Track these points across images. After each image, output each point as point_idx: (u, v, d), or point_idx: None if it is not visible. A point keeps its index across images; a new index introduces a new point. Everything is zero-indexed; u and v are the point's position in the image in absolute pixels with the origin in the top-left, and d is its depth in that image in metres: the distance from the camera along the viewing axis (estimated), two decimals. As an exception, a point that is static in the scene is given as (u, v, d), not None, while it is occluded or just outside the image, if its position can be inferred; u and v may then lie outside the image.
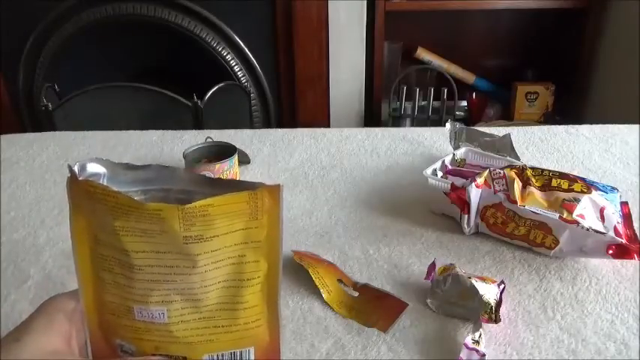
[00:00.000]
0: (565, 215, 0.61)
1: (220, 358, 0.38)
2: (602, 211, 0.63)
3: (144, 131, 1.04)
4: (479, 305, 0.53)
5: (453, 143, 0.89)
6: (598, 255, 0.61)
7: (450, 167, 0.79)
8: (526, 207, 0.63)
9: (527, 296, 0.58)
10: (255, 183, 0.35)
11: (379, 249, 0.67)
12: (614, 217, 0.63)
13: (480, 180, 0.67)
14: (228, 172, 0.79)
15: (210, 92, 1.58)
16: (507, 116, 2.07)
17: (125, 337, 0.37)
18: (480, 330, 0.50)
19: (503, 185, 0.66)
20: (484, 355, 0.48)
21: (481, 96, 2.08)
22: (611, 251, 0.59)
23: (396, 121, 2.02)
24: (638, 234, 0.63)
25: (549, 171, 0.68)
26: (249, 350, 0.38)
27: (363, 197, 0.80)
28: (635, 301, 0.57)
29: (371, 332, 0.54)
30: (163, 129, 1.04)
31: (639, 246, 0.59)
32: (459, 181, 0.69)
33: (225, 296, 0.37)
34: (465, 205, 0.67)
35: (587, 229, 0.60)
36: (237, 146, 0.82)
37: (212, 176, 0.70)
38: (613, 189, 0.67)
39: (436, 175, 0.76)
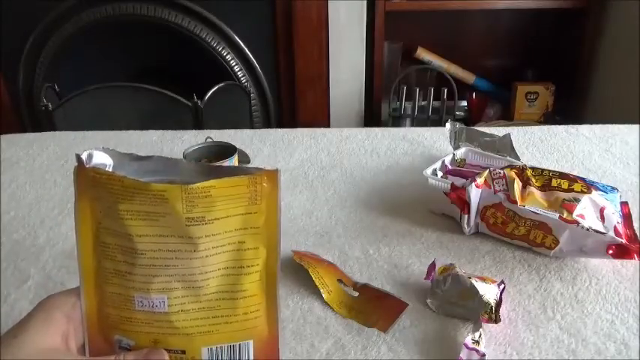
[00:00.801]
0: (565, 215, 0.61)
1: (219, 351, 0.38)
2: (602, 211, 0.63)
3: (144, 131, 1.04)
4: (479, 305, 0.53)
5: (453, 143, 0.89)
6: (598, 255, 0.61)
7: (450, 167, 0.79)
8: (526, 207, 0.63)
9: (527, 296, 0.58)
10: (255, 168, 0.37)
11: (379, 249, 0.67)
12: (614, 217, 0.63)
13: (480, 180, 0.67)
14: (228, 172, 0.79)
15: (210, 92, 1.58)
16: (507, 116, 2.07)
17: (124, 331, 0.38)
18: (480, 330, 0.50)
19: (503, 185, 0.66)
20: (484, 355, 0.48)
21: (481, 96, 2.08)
22: (611, 251, 0.59)
23: (396, 121, 2.02)
24: (638, 234, 0.63)
25: (549, 171, 0.68)
26: (247, 344, 0.39)
27: (363, 197, 0.80)
28: (635, 301, 0.57)
29: (371, 332, 0.54)
30: (163, 129, 1.04)
31: (639, 246, 0.59)
32: (459, 181, 0.69)
33: (225, 284, 0.38)
34: (465, 205, 0.67)
35: (587, 229, 0.60)
36: (237, 146, 0.82)
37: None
38: (613, 189, 0.67)
39: (436, 175, 0.76)
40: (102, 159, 0.37)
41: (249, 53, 1.88)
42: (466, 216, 0.67)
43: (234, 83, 1.83)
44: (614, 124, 1.03)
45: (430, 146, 0.96)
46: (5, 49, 1.88)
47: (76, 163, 0.36)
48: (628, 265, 0.62)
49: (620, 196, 0.67)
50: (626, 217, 0.64)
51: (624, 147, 0.94)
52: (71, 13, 1.81)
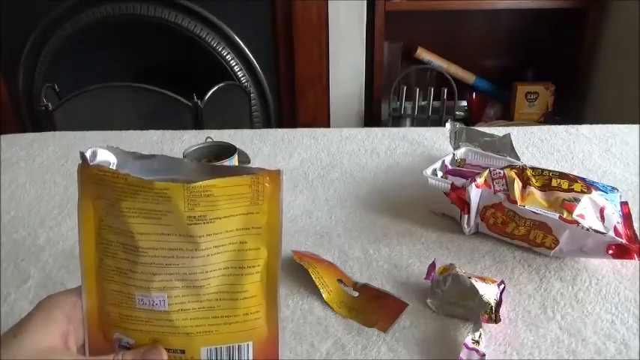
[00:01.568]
0: (565, 215, 0.61)
1: (218, 352, 0.38)
2: (602, 211, 0.63)
3: (144, 131, 1.04)
4: (479, 305, 0.53)
5: (453, 143, 0.89)
6: (598, 255, 0.61)
7: (450, 167, 0.79)
8: (526, 207, 0.63)
9: (527, 296, 0.58)
10: (257, 168, 0.37)
11: (379, 249, 0.67)
12: (614, 217, 0.63)
13: (480, 180, 0.67)
14: (228, 172, 0.79)
15: (210, 92, 1.58)
16: (507, 116, 2.07)
17: (124, 329, 0.38)
18: (480, 330, 0.50)
19: (503, 185, 0.66)
20: (484, 355, 0.48)
21: (481, 96, 2.08)
22: (611, 251, 0.59)
23: (396, 121, 2.02)
24: (638, 234, 0.63)
25: (549, 171, 0.68)
26: (247, 345, 0.39)
27: (363, 197, 0.80)
28: (635, 301, 0.57)
29: (371, 332, 0.54)
30: (163, 129, 1.04)
31: (639, 246, 0.59)
32: (459, 181, 0.69)
33: (226, 285, 0.38)
34: (465, 205, 0.67)
35: (587, 229, 0.60)
36: (237, 146, 0.82)
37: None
38: (613, 189, 0.67)
39: (436, 175, 0.76)
40: (106, 157, 0.37)
41: (249, 53, 1.88)
42: (466, 216, 0.67)
43: (234, 83, 1.83)
44: (614, 124, 1.03)
45: (430, 146, 0.96)
46: (5, 49, 1.88)
47: (80, 161, 0.36)
48: (628, 265, 0.62)
49: (620, 196, 0.67)
50: (626, 217, 0.64)
51: (624, 147, 0.94)
52: (71, 13, 1.81)
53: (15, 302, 0.59)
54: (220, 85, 1.63)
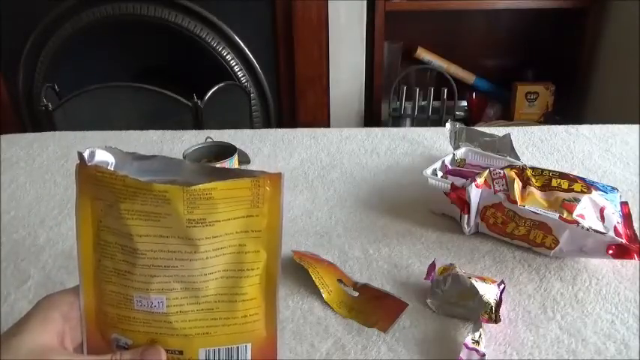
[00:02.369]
0: (565, 215, 0.61)
1: (217, 353, 0.38)
2: (602, 211, 0.63)
3: (144, 131, 1.04)
4: (479, 305, 0.53)
5: (453, 143, 0.89)
6: (598, 255, 0.61)
7: (450, 167, 0.79)
8: (526, 207, 0.63)
9: (527, 296, 0.58)
10: (258, 171, 0.36)
11: (379, 249, 0.67)
12: (614, 217, 0.63)
13: (480, 180, 0.67)
14: (228, 172, 0.79)
15: (210, 92, 1.58)
16: (507, 116, 2.07)
17: (122, 330, 0.38)
18: (480, 330, 0.50)
19: (503, 185, 0.66)
20: (484, 355, 0.48)
21: (481, 96, 2.08)
22: (611, 251, 0.59)
23: (396, 121, 2.02)
24: (638, 234, 0.63)
25: (549, 171, 0.68)
26: (245, 346, 0.39)
27: (363, 197, 0.80)
28: (635, 301, 0.57)
29: (371, 332, 0.54)
30: (163, 129, 1.04)
31: (639, 246, 0.59)
32: (459, 181, 0.69)
33: (224, 287, 0.38)
34: (465, 205, 0.67)
35: (587, 229, 0.60)
36: (237, 146, 0.82)
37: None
38: (613, 189, 0.67)
39: (436, 175, 0.76)
40: (104, 157, 0.37)
41: (249, 53, 1.88)
42: (466, 216, 0.67)
43: (234, 83, 1.83)
44: (614, 124, 1.03)
45: (430, 146, 0.96)
46: (5, 49, 1.88)
47: (78, 161, 0.36)
48: (628, 265, 0.62)
49: (620, 196, 0.67)
50: (626, 217, 0.64)
51: (624, 147, 0.94)
52: (71, 13, 1.81)
53: (15, 302, 0.59)
54: (220, 85, 1.63)
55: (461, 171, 0.78)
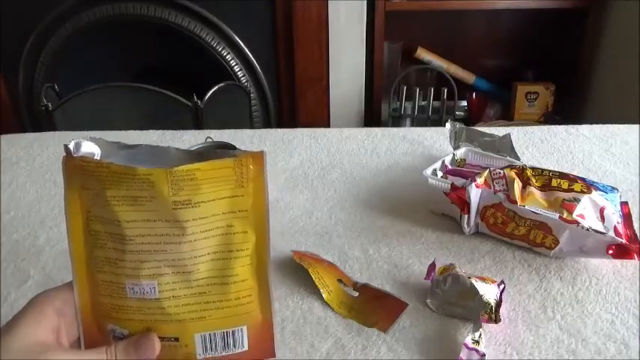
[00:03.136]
0: (565, 215, 0.61)
1: (213, 337, 0.38)
2: (602, 211, 0.63)
3: (144, 131, 1.04)
4: (479, 305, 0.53)
5: (453, 143, 0.89)
6: (598, 255, 0.61)
7: (450, 167, 0.79)
8: (526, 207, 0.63)
9: (527, 296, 0.58)
10: (241, 151, 0.37)
11: (379, 249, 0.67)
12: (614, 217, 0.63)
13: (480, 180, 0.67)
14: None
15: (210, 92, 1.58)
16: (507, 116, 2.07)
17: (117, 320, 0.38)
18: (480, 330, 0.50)
19: (503, 185, 0.66)
20: (484, 355, 0.48)
21: (481, 96, 2.08)
22: (611, 251, 0.59)
23: (396, 121, 2.02)
24: (638, 234, 0.63)
25: (549, 171, 0.68)
26: (241, 329, 0.38)
27: (363, 197, 0.80)
28: (635, 301, 0.57)
29: (371, 332, 0.54)
30: (163, 129, 1.04)
31: (639, 246, 0.59)
32: (459, 181, 0.69)
33: (215, 269, 0.37)
34: (465, 205, 0.67)
35: (587, 229, 0.60)
36: (237, 146, 0.82)
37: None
38: (613, 189, 0.67)
39: (436, 175, 0.76)
40: (90, 148, 0.37)
41: (249, 53, 1.88)
42: (466, 216, 0.67)
43: (234, 83, 1.83)
44: (614, 124, 1.03)
45: (430, 146, 0.96)
46: (5, 49, 1.88)
47: (64, 154, 0.36)
48: (628, 265, 0.62)
49: (620, 196, 0.67)
50: (626, 217, 0.64)
51: (624, 147, 0.94)
52: (71, 13, 1.81)
53: (15, 302, 0.59)
54: (220, 85, 1.63)
55: (461, 171, 0.78)
